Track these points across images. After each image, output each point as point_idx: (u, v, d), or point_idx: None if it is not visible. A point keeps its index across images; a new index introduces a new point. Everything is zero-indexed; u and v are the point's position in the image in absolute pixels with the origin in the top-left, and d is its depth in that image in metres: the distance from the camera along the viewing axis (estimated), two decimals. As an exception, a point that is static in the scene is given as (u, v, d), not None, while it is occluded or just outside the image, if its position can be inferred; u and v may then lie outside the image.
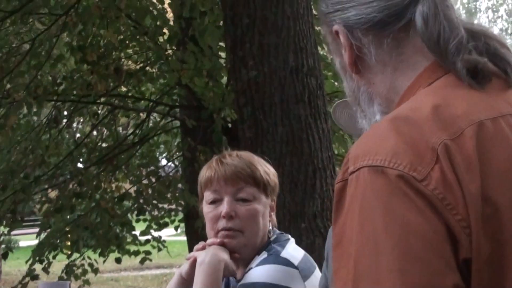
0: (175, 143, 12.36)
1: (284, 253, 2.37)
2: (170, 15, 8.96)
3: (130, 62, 10.27)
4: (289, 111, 5.73)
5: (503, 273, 1.19)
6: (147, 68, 9.64)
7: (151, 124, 11.33)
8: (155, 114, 11.57)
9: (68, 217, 9.83)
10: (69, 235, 9.65)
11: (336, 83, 9.31)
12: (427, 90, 1.35)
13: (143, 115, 11.11)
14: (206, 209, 2.45)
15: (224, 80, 9.38)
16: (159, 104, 10.56)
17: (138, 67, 9.87)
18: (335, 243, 1.24)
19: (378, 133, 1.27)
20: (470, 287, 1.17)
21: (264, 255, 2.38)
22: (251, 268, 2.36)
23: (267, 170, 2.48)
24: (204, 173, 2.47)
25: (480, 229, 1.17)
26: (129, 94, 10.24)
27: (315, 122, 5.78)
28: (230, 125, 9.23)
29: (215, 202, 2.43)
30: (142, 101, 10.57)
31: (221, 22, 7.25)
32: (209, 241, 2.41)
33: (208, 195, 2.45)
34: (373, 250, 1.16)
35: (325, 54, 9.05)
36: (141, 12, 8.29)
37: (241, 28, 5.84)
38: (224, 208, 2.39)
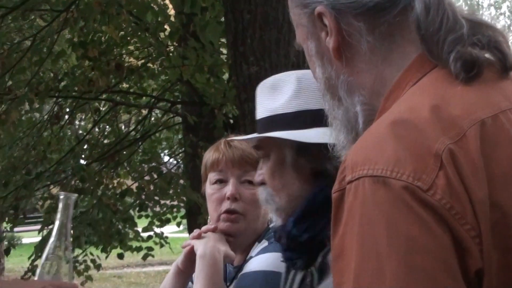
0: (177, 139, 12.38)
1: None
2: (171, 11, 8.95)
3: (131, 58, 10.26)
4: (290, 106, 5.70)
5: None
6: (149, 64, 9.63)
7: (152, 120, 11.36)
8: (157, 110, 11.58)
9: (70, 213, 9.82)
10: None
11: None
12: (420, 87, 1.26)
13: (144, 111, 11.13)
14: (210, 190, 2.42)
15: (226, 76, 9.38)
16: (161, 100, 10.56)
17: (139, 63, 9.87)
18: (335, 255, 1.17)
19: (377, 138, 1.18)
20: None
21: (264, 243, 2.36)
22: (251, 257, 2.34)
23: None
24: (211, 154, 2.44)
25: (490, 237, 1.11)
26: (131, 90, 10.26)
27: (316, 117, 5.75)
28: (231, 121, 9.23)
29: (219, 182, 2.40)
30: (144, 97, 10.60)
31: (222, 17, 7.23)
32: (203, 228, 2.37)
33: (212, 176, 2.42)
34: (376, 266, 1.09)
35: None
36: (142, 8, 8.27)
37: (242, 24, 5.82)
38: (229, 189, 2.36)
